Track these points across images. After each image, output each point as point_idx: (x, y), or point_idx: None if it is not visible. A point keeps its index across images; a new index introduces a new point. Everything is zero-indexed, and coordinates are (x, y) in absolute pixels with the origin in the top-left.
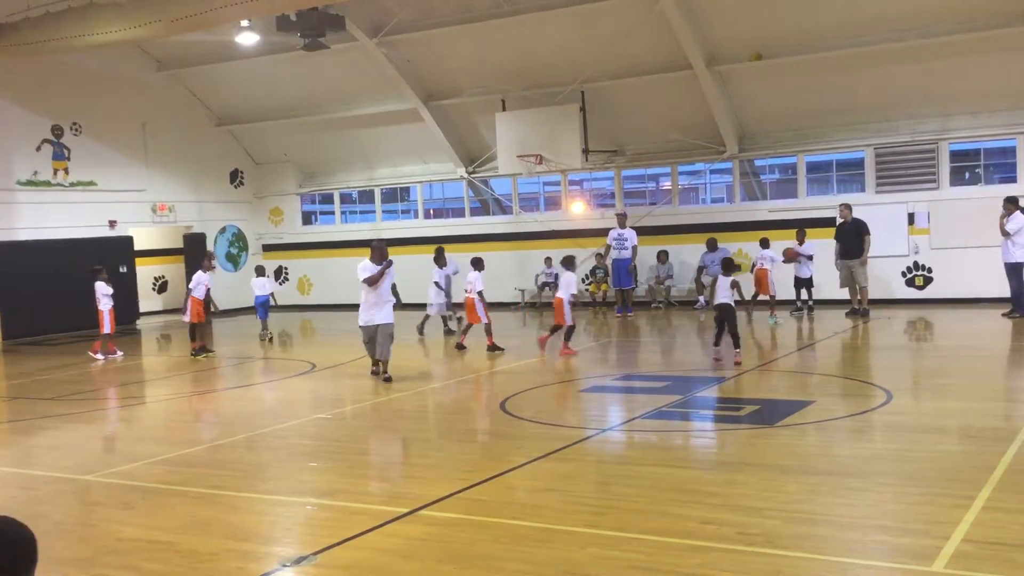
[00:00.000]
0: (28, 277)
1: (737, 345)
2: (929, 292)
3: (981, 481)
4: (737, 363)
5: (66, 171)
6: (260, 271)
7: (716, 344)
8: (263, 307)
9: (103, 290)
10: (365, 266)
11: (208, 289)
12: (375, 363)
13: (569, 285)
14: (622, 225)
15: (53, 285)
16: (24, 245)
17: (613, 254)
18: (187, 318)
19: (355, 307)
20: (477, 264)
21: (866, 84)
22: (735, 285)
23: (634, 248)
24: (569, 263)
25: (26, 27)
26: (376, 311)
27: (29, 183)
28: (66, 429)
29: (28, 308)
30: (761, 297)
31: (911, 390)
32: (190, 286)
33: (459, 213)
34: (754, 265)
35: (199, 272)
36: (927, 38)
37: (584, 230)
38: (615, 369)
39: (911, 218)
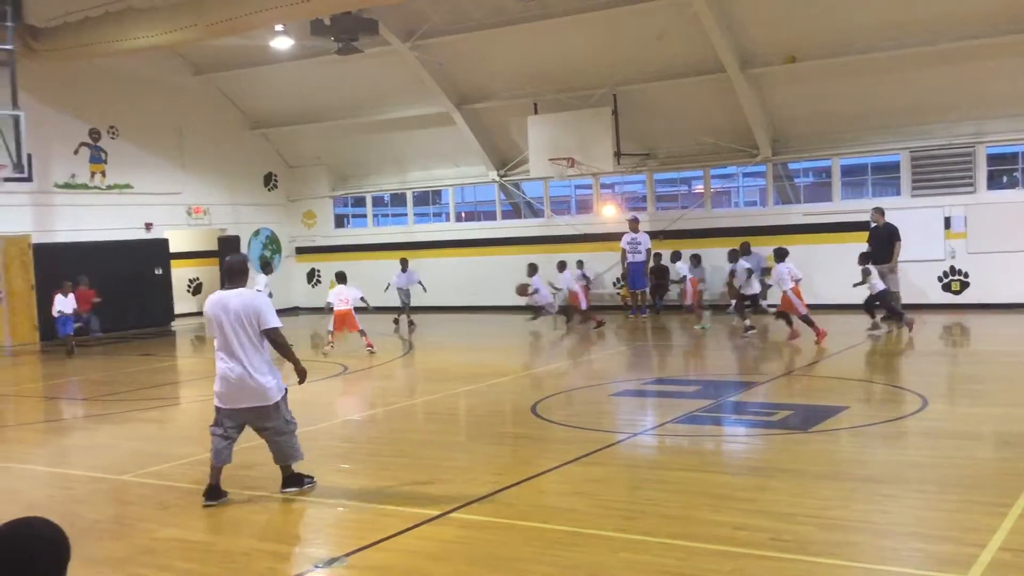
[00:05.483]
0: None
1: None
2: (966, 297)
3: (1018, 488)
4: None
5: (103, 174)
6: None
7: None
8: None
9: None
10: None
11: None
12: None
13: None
14: (635, 230)
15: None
16: (61, 247)
17: (628, 258)
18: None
19: (389, 309)
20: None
21: (901, 87)
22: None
23: (648, 251)
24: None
25: (65, 32)
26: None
27: (67, 186)
28: (102, 430)
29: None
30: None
31: (947, 396)
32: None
33: (491, 216)
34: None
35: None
36: (962, 40)
37: (615, 233)
38: (646, 373)
39: (947, 222)
